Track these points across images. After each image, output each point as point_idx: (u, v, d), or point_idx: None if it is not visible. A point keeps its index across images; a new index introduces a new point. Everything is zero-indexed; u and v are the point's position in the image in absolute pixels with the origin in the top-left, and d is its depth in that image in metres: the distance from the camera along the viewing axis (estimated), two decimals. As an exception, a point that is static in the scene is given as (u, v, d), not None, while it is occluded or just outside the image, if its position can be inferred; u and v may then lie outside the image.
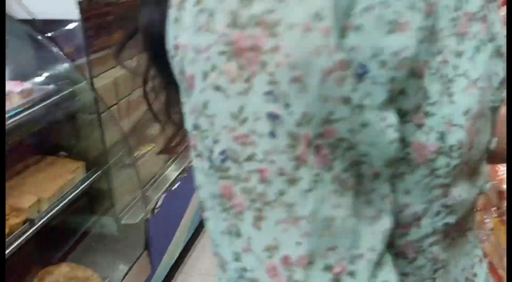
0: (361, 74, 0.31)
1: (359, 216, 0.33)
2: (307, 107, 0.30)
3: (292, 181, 0.31)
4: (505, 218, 1.42)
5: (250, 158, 0.31)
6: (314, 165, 0.31)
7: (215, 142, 0.32)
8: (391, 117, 0.33)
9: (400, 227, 0.38)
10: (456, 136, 0.36)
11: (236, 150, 0.31)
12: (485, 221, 1.56)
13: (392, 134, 0.33)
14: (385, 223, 0.35)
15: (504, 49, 0.43)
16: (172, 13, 0.35)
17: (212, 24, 0.30)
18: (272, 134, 0.30)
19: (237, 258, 0.33)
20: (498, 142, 0.48)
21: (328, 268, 0.32)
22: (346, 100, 0.30)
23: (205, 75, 0.31)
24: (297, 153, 0.30)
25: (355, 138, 0.32)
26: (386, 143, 0.33)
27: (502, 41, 0.43)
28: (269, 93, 0.30)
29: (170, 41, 0.35)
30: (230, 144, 0.31)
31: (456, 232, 0.43)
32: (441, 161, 0.36)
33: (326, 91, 0.30)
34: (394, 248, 0.39)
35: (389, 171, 0.35)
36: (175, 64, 0.35)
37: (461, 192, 0.39)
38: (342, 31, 0.30)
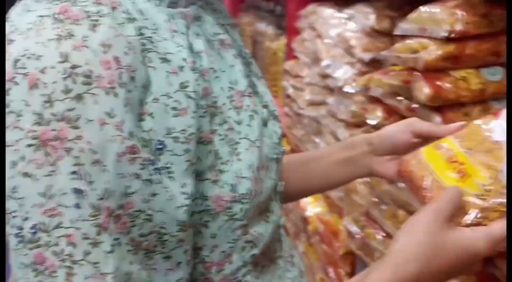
0: (160, 149, 0.39)
1: (154, 270, 0.42)
2: (107, 184, 0.38)
3: (95, 244, 0.37)
4: (312, 240, 1.63)
5: (58, 226, 0.37)
6: (114, 231, 0.38)
7: (25, 219, 0.37)
8: (189, 185, 0.42)
9: (215, 264, 0.47)
10: (245, 186, 0.46)
11: (45, 222, 0.37)
12: (298, 246, 1.77)
13: (183, 201, 0.41)
14: (180, 273, 0.44)
15: (277, 113, 0.57)
16: None
17: (20, 123, 0.37)
18: (77, 205, 0.37)
19: None
20: (284, 185, 0.61)
21: None
22: (137, 176, 0.39)
23: (14, 164, 0.37)
24: (99, 221, 0.37)
25: (150, 208, 0.40)
26: (174, 208, 0.41)
27: (274, 107, 0.57)
28: (74, 173, 0.37)
29: None
30: (40, 218, 0.37)
31: (265, 260, 0.52)
32: (236, 207, 0.46)
33: (121, 170, 0.38)
34: None
35: (188, 235, 0.43)
36: None
37: (256, 229, 0.49)
38: (140, 116, 0.39)
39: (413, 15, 0.90)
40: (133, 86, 0.39)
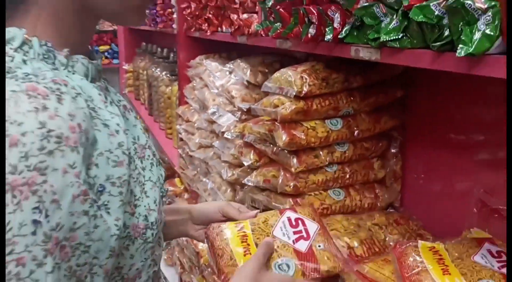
0: (101, 191, 0.53)
1: None
2: (60, 219, 0.49)
3: (40, 265, 0.47)
4: (205, 273, 1.75)
5: (10, 253, 0.46)
6: (57, 256, 0.49)
7: None
8: (121, 219, 0.56)
9: (130, 279, 0.61)
10: (153, 216, 0.62)
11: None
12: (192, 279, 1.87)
13: (115, 231, 0.55)
14: None
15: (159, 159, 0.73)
16: None
17: None
18: (34, 233, 0.47)
19: None
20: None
21: None
22: (86, 213, 0.51)
23: None
24: (48, 246, 0.48)
25: (90, 239, 0.52)
26: (109, 236, 0.54)
27: (158, 155, 0.73)
28: (36, 208, 0.47)
29: None
30: None
31: (156, 278, 0.68)
32: (149, 233, 0.61)
33: (73, 209, 0.50)
34: None
35: (115, 261, 0.57)
36: None
37: (157, 250, 0.64)
38: (88, 166, 0.53)
39: (274, 76, 1.11)
40: (87, 145, 0.52)
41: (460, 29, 0.61)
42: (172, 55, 3.02)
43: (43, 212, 0.48)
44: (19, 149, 0.48)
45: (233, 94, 1.52)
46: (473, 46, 0.58)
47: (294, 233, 0.79)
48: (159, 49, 3.33)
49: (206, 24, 1.77)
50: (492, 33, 0.57)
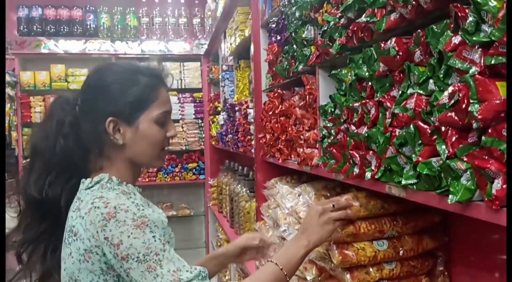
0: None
1: None
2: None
3: (164, 250, 1.04)
4: None
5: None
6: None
7: None
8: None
9: None
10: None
11: None
12: None
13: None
14: None
15: None
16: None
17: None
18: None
19: None
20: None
21: None
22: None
23: None
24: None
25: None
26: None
27: None
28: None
29: None
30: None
31: None
32: None
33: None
34: None
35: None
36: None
37: None
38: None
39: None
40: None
41: (449, 182, 0.84)
42: (251, 173, 3.37)
43: (153, 230, 1.05)
44: (130, 213, 1.04)
45: (300, 215, 1.77)
46: (459, 196, 0.80)
47: None
48: (240, 167, 3.72)
49: (278, 153, 2.10)
50: (472, 187, 0.79)
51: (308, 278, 1.39)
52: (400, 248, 1.26)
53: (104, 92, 1.16)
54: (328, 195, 1.73)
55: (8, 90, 4.65)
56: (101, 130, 1.14)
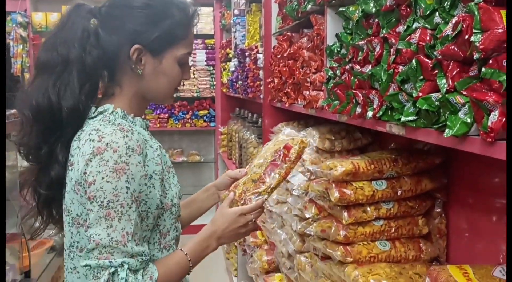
0: (150, 177, 1.07)
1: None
2: (135, 186, 1.02)
3: (130, 206, 1.01)
4: None
5: (117, 200, 1.02)
6: (134, 204, 1.01)
7: None
8: (160, 191, 1.09)
9: (163, 234, 1.12)
10: (176, 201, 1.15)
11: None
12: None
13: (158, 195, 1.09)
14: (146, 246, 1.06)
15: None
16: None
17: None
18: (127, 192, 1.01)
19: None
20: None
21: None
22: (145, 184, 1.05)
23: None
24: (132, 198, 1.01)
25: (147, 198, 1.05)
26: (156, 198, 1.07)
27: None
28: (126, 180, 1.01)
29: None
30: None
31: (177, 240, 1.19)
32: (174, 209, 1.13)
33: (141, 182, 1.04)
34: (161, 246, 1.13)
35: (156, 220, 1.11)
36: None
37: (178, 223, 1.18)
38: (144, 164, 1.08)
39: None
40: (143, 154, 1.06)
41: (446, 117, 0.83)
42: (260, 120, 3.38)
43: (129, 182, 0.99)
44: (117, 153, 0.99)
45: (304, 158, 1.78)
46: (455, 130, 0.80)
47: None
48: (249, 115, 3.73)
49: (285, 97, 2.09)
50: (469, 121, 0.78)
51: (307, 216, 1.41)
52: (399, 189, 1.27)
53: (135, 14, 1.07)
54: (333, 138, 1.73)
55: (21, 31, 4.64)
56: (123, 55, 1.08)
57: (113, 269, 0.95)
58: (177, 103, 5.19)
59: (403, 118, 0.98)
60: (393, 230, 1.27)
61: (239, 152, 3.73)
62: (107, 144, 0.99)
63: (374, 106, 1.13)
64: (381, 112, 1.10)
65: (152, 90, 1.13)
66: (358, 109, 1.20)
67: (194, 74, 5.21)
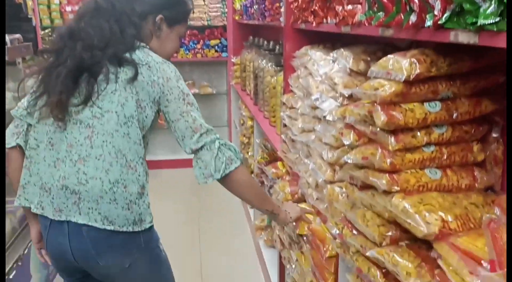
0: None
1: None
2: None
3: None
4: (304, 249, 1.87)
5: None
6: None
7: None
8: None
9: (146, 144, 1.54)
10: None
11: None
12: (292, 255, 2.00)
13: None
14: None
15: None
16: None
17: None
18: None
19: None
20: None
21: None
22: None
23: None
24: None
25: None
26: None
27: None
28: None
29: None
30: None
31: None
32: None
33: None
34: None
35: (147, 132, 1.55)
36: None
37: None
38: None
39: (380, 62, 1.17)
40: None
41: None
42: (277, 47, 3.17)
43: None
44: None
45: (336, 81, 1.62)
46: None
47: None
48: (265, 42, 3.51)
49: (312, 16, 1.88)
50: None
51: (346, 143, 1.28)
52: (455, 111, 1.11)
53: None
54: (369, 59, 1.56)
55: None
56: (149, 19, 1.53)
57: None
58: (187, 33, 4.94)
59: (481, 21, 0.81)
60: (445, 156, 1.14)
61: (254, 82, 3.56)
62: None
63: (435, 12, 0.95)
64: (444, 19, 0.93)
65: (161, 49, 1.57)
66: (413, 18, 1.02)
67: (204, 0, 4.92)
